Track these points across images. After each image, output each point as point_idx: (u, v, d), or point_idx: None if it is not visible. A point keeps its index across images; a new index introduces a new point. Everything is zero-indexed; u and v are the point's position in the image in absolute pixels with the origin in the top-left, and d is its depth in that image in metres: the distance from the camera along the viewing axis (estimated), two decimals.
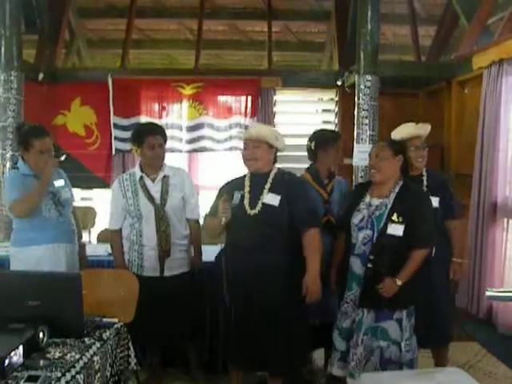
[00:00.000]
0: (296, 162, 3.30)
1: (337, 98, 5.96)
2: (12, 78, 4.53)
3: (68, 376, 1.90)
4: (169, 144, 3.43)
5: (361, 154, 4.35)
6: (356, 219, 2.84)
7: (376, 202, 2.83)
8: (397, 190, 2.81)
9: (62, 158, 3.53)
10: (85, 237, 3.49)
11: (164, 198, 3.15)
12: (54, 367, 1.93)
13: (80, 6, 6.88)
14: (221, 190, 2.97)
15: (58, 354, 2.06)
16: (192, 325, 3.24)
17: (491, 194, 4.49)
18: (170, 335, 3.19)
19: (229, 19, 7.37)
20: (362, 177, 4.39)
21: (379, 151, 2.85)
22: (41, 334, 2.09)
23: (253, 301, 2.74)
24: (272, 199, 2.78)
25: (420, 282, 2.78)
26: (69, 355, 2.06)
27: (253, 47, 7.66)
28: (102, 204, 3.85)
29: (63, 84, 5.76)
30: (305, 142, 3.39)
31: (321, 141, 3.33)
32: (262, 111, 5.73)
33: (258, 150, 2.83)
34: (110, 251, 3.40)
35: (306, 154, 3.40)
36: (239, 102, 5.73)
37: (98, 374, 2.16)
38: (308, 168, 3.39)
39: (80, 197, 6.11)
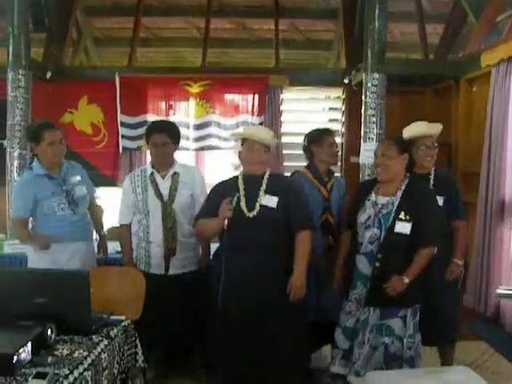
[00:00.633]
0: (303, 161, 3.31)
1: (344, 96, 5.93)
2: (20, 76, 4.54)
3: (76, 373, 1.92)
4: None
5: (367, 153, 4.33)
6: (362, 218, 2.83)
7: (382, 200, 2.82)
8: (403, 188, 2.81)
9: None
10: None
11: (172, 195, 3.16)
12: (62, 364, 1.95)
13: (87, 5, 6.88)
14: (212, 191, 2.97)
15: (65, 351, 2.08)
16: (195, 324, 3.24)
17: (499, 193, 4.46)
18: (174, 334, 3.19)
19: (236, 17, 7.34)
20: (369, 175, 4.37)
21: (385, 150, 2.85)
22: (49, 331, 2.11)
23: (251, 302, 2.74)
24: (269, 201, 2.79)
25: (425, 280, 2.78)
26: (77, 352, 2.07)
27: (260, 45, 7.64)
28: (109, 202, 3.84)
29: (70, 82, 5.76)
30: None
31: (313, 135, 3.38)
32: (269, 109, 5.71)
33: (264, 153, 2.89)
34: (118, 249, 3.42)
35: None
36: (246, 101, 5.71)
37: (106, 372, 2.18)
38: (307, 166, 3.40)
39: None
